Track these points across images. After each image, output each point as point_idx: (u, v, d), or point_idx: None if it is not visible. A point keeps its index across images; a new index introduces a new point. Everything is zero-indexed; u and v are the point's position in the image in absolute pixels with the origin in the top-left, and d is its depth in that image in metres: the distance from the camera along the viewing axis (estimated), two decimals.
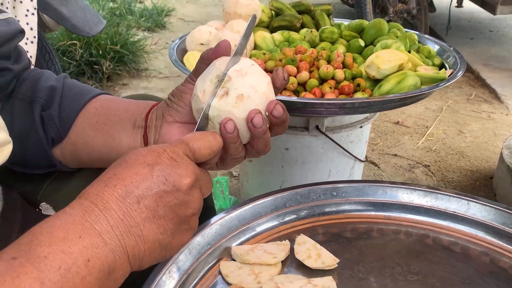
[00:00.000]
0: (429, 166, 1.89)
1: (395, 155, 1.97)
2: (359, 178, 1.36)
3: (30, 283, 0.35)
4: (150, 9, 4.40)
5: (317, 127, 1.13)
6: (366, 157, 1.35)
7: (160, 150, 0.46)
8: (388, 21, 3.31)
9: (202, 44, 1.24)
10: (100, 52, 2.70)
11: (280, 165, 1.21)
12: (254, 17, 0.56)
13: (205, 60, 0.54)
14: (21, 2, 1.30)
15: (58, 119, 0.63)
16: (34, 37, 1.34)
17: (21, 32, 0.65)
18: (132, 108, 0.64)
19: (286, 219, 0.84)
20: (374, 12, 3.21)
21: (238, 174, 1.60)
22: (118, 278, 0.42)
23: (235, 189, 1.66)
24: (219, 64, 0.52)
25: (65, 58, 2.66)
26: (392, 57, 0.97)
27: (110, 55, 2.79)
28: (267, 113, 0.51)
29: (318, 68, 1.02)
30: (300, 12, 1.44)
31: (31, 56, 1.34)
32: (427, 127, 2.24)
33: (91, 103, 0.65)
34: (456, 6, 3.77)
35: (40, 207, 0.61)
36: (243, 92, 0.50)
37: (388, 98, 0.91)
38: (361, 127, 1.21)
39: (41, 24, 1.60)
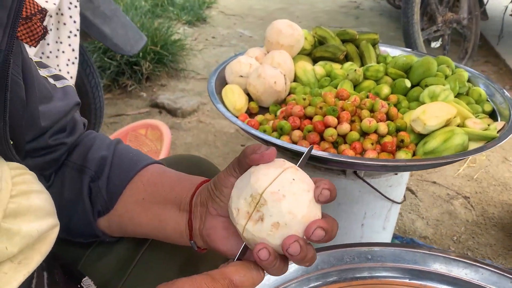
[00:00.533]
0: (469, 198, 1.81)
1: (434, 182, 1.90)
2: (395, 218, 1.32)
3: None
4: (192, 0, 4.40)
5: (355, 172, 1.10)
6: (404, 197, 1.30)
7: (204, 286, 0.46)
8: (435, 31, 3.17)
9: (241, 76, 1.22)
10: (141, 53, 2.73)
11: None
12: (311, 148, 0.54)
13: (247, 159, 0.52)
14: (64, 24, 1.32)
15: (105, 191, 0.63)
16: (76, 58, 1.36)
17: (78, 105, 0.65)
18: (177, 189, 0.62)
19: (318, 283, 0.82)
20: (421, 20, 3.08)
21: None
22: None
23: None
24: (255, 181, 0.48)
25: (106, 59, 2.70)
26: (440, 113, 0.92)
27: (150, 56, 2.81)
28: (304, 236, 0.48)
29: (360, 118, 0.98)
30: (344, 41, 1.40)
31: (71, 77, 1.37)
32: None
33: (139, 177, 0.65)
34: (510, 15, 3.58)
35: (82, 284, 0.61)
36: (279, 220, 0.47)
37: (432, 161, 0.87)
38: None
39: (83, 34, 1.62)
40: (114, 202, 0.64)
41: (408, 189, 1.84)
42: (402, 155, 0.91)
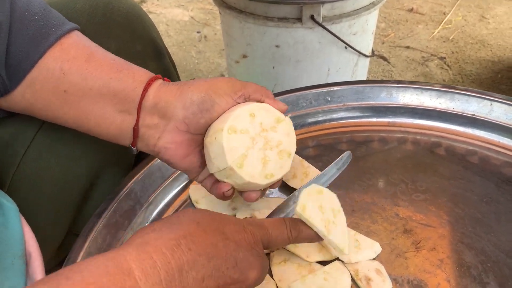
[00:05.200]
0: (445, 58, 1.69)
1: (408, 47, 1.76)
2: (364, 76, 1.19)
3: None
4: None
5: (312, 18, 0.95)
6: (373, 50, 1.17)
7: (240, 227, 0.41)
8: None
9: None
10: None
11: (270, 66, 1.05)
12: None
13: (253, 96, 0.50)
14: None
15: (3, 67, 0.48)
16: None
17: None
18: (114, 84, 0.49)
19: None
20: None
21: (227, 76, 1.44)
22: None
23: None
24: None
25: None
26: None
27: None
28: None
29: None
30: None
31: None
32: (444, 14, 1.99)
33: (55, 57, 0.49)
34: None
35: None
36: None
37: None
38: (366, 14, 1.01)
39: None
40: (15, 83, 0.49)
41: (379, 56, 1.70)
42: None
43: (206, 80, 0.50)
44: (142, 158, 0.75)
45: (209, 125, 0.49)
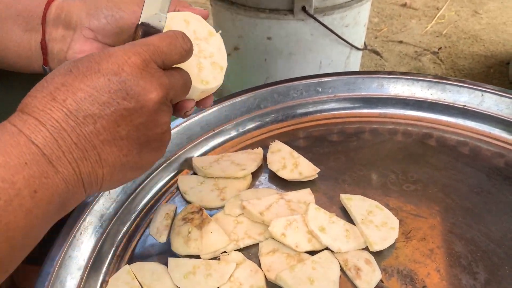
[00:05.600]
0: (437, 52, 1.69)
1: (401, 42, 1.76)
2: (356, 68, 1.19)
3: None
4: None
5: (303, 9, 0.94)
6: (365, 44, 1.16)
7: (120, 54, 0.36)
8: None
9: None
10: None
11: (262, 58, 1.04)
12: None
13: None
14: None
15: None
16: None
17: None
18: (17, 4, 0.48)
19: (259, 122, 0.70)
20: None
21: None
22: (70, 207, 0.35)
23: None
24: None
25: None
26: None
27: None
28: None
29: None
30: None
31: None
32: (438, 9, 1.99)
33: None
34: None
35: None
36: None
37: None
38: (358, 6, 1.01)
39: None
40: None
41: (372, 50, 1.70)
42: None
43: None
44: None
45: (116, 32, 0.48)
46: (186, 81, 0.41)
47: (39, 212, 0.32)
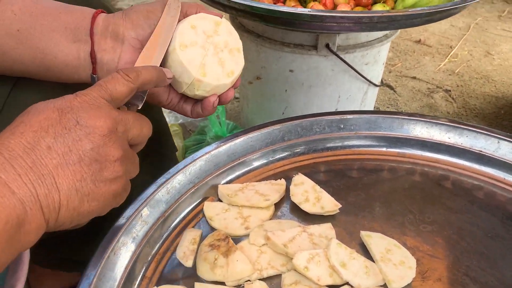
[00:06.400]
0: (450, 91, 1.73)
1: (414, 77, 1.80)
2: (372, 105, 1.22)
3: None
4: None
5: (327, 46, 0.98)
6: (382, 80, 1.20)
7: (72, 96, 0.42)
8: None
9: None
10: None
11: (283, 89, 1.08)
12: None
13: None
14: None
15: None
16: None
17: None
18: (64, 17, 0.52)
19: (284, 154, 0.73)
20: None
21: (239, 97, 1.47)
22: (31, 231, 0.36)
23: (236, 113, 1.54)
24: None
25: None
26: None
27: None
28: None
29: None
30: None
31: None
32: (451, 47, 2.04)
33: (5, 4, 0.52)
34: None
35: None
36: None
37: (414, 12, 0.75)
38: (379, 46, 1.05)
39: None
40: None
41: (386, 85, 1.74)
42: (379, 8, 0.78)
43: (145, 3, 0.55)
44: None
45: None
46: (136, 118, 0.45)
47: None
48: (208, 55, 0.53)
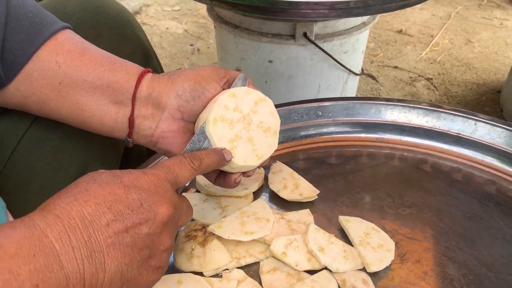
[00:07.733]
0: (431, 79, 1.74)
1: (396, 67, 1.81)
2: (353, 94, 1.22)
3: None
4: None
5: (305, 35, 0.97)
6: (362, 69, 1.20)
7: (139, 172, 0.41)
8: None
9: None
10: None
11: (263, 80, 1.07)
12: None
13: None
14: None
15: None
16: None
17: None
18: (108, 76, 0.51)
19: None
20: None
21: None
22: None
23: None
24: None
25: None
26: None
27: None
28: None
29: None
30: None
31: None
32: (432, 36, 2.05)
33: (50, 51, 0.51)
34: None
35: None
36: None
37: None
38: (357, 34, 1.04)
39: None
40: (11, 76, 0.50)
41: (368, 74, 1.74)
42: None
43: (193, 69, 0.53)
44: (128, 157, 0.76)
45: (200, 111, 0.52)
46: (188, 207, 0.46)
47: None
48: (241, 134, 0.51)
